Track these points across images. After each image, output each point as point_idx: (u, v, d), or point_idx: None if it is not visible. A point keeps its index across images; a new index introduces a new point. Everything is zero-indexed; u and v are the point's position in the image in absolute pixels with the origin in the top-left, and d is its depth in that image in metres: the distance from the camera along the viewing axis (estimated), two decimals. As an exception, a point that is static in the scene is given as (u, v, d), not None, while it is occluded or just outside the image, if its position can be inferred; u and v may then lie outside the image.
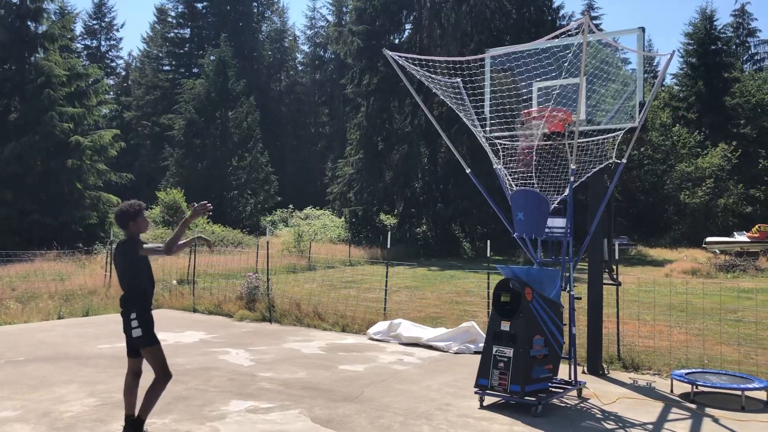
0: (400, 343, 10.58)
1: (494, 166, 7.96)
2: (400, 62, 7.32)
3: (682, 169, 49.47)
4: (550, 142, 7.76)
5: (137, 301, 5.49)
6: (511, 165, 7.93)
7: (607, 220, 8.73)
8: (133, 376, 5.67)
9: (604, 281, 8.84)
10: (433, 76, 7.60)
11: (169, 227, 32.11)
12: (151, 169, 56.49)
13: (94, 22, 69.38)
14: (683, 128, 52.98)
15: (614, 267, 9.13)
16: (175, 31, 70.04)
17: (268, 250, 13.58)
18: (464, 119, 7.63)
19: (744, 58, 65.64)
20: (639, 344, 10.17)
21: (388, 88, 38.99)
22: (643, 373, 8.85)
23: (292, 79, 74.83)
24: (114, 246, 19.34)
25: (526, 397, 6.73)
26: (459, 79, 7.84)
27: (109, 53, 71.09)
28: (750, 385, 7.32)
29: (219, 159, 48.75)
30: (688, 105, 57.27)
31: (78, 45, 63.41)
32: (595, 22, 55.86)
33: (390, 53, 7.32)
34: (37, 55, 33.12)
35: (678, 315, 13.30)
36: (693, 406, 7.21)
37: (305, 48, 78.02)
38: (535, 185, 7.68)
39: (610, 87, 8.11)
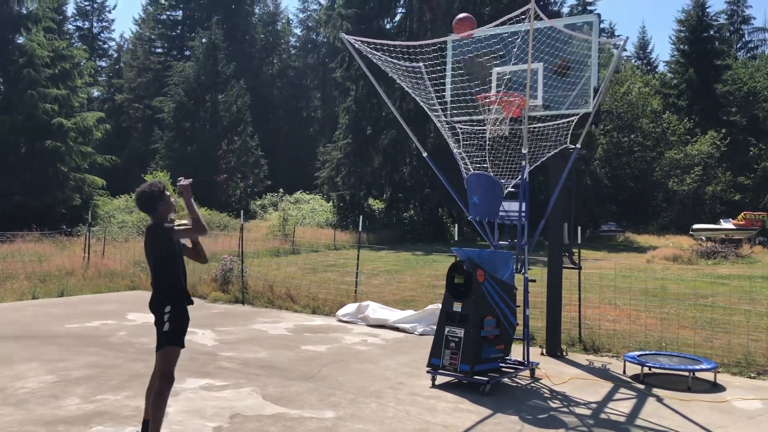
0: (368, 325, 10.71)
1: (454, 151, 8.04)
2: (357, 46, 7.36)
3: (672, 156, 49.57)
4: (508, 127, 7.84)
5: (172, 294, 5.06)
6: (469, 149, 8.00)
7: (567, 204, 8.84)
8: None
9: (564, 265, 8.95)
10: (396, 61, 7.65)
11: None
12: (142, 151, 56.31)
13: (86, 3, 68.77)
14: (673, 115, 53.06)
15: (574, 251, 9.25)
16: (168, 13, 69.51)
17: (242, 232, 13.67)
18: (421, 104, 7.69)
19: (738, 46, 65.68)
20: (603, 327, 10.31)
21: (377, 72, 38.87)
22: (602, 356, 8.99)
23: (285, 63, 74.48)
24: (89, 229, 19.27)
25: (475, 377, 6.86)
26: (422, 64, 7.89)
27: (101, 35, 70.55)
28: (698, 366, 7.47)
29: (208, 142, 48.64)
30: (678, 92, 57.33)
31: (70, 26, 63.00)
32: (589, 7, 54.43)
33: (347, 37, 7.37)
34: (21, 36, 32.99)
35: (651, 300, 13.45)
36: (641, 386, 7.36)
37: (298, 31, 77.78)
38: (489, 169, 7.77)
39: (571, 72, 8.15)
